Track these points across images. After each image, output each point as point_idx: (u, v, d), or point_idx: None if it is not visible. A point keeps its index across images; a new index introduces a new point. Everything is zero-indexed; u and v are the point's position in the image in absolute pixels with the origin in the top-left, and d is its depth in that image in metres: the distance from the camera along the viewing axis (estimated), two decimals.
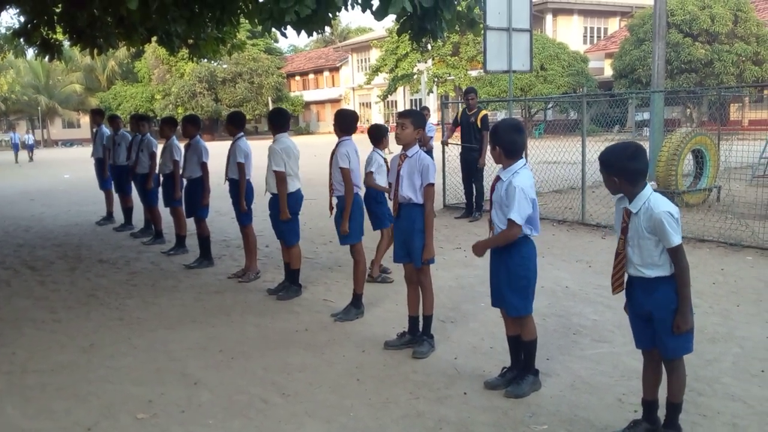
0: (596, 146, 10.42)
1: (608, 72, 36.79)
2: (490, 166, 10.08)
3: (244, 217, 6.96)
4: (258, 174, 6.78)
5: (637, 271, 3.25)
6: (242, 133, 6.99)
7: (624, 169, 3.19)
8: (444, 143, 10.97)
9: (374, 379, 4.32)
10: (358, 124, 6.00)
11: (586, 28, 45.31)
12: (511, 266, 3.89)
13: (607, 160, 3.25)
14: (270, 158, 6.10)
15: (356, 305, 5.64)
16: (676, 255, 3.13)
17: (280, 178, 6.07)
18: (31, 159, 34.08)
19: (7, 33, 10.14)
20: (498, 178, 3.92)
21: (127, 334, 5.40)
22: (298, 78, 64.39)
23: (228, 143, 7.15)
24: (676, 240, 3.10)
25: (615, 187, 3.25)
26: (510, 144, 3.83)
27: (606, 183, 3.29)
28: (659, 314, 3.22)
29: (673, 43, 28.51)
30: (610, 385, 4.09)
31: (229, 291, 6.65)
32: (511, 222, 3.76)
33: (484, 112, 10.18)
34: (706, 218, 8.63)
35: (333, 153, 5.53)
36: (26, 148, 35.23)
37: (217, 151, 7.49)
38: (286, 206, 6.10)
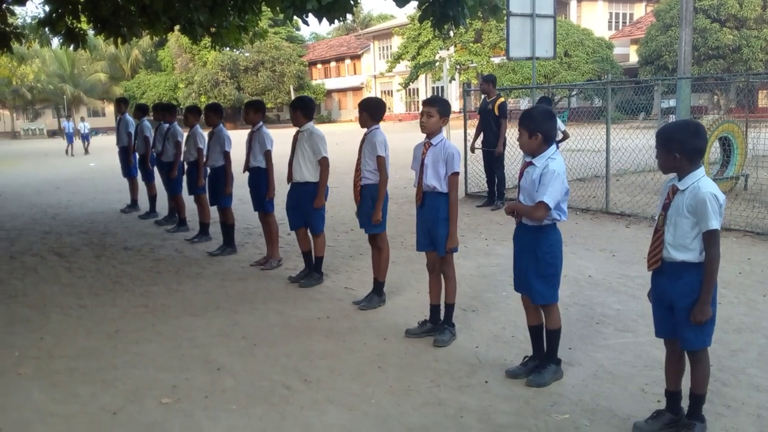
0: (621, 134, 10.38)
1: (634, 58, 36.34)
2: (513, 154, 10.03)
3: (266, 204, 6.99)
4: (279, 162, 6.80)
5: (667, 252, 3.20)
6: (261, 122, 7.01)
7: (686, 146, 3.13)
8: (471, 149, 10.83)
9: (395, 367, 4.33)
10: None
11: (611, 13, 44.73)
12: (539, 254, 3.85)
13: (669, 136, 3.20)
14: (313, 145, 6.05)
15: (378, 293, 5.65)
16: (710, 240, 3.08)
17: (326, 164, 6.08)
18: (86, 151, 30.48)
19: (33, 22, 10.24)
20: (529, 164, 3.85)
21: (151, 321, 5.47)
22: (319, 66, 64.33)
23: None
24: (714, 224, 3.05)
25: (674, 164, 3.18)
26: (552, 131, 3.82)
27: (663, 160, 3.22)
28: (681, 303, 3.18)
29: (700, 29, 28.06)
30: (633, 375, 4.06)
31: (252, 278, 6.70)
32: (542, 204, 3.69)
33: (501, 99, 10.10)
34: (733, 207, 8.50)
35: (363, 141, 5.46)
36: (81, 137, 31.26)
37: (240, 140, 7.54)
38: (323, 193, 6.13)
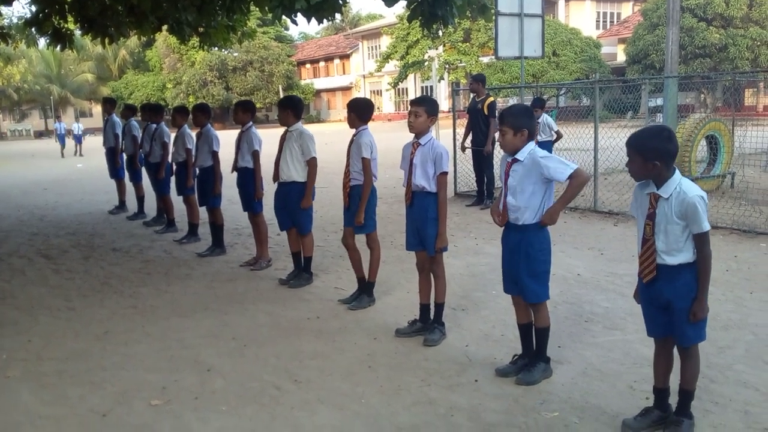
0: (609, 133, 10.41)
1: (621, 57, 36.56)
2: (502, 153, 10.05)
3: (255, 205, 6.98)
4: (267, 162, 6.78)
5: (660, 259, 3.20)
6: (251, 122, 6.99)
7: (664, 153, 3.12)
8: (462, 149, 10.82)
9: (386, 367, 4.33)
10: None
11: (599, 12, 44.95)
12: (531, 252, 3.87)
13: (646, 145, 3.16)
14: (303, 145, 6.06)
15: (368, 293, 5.65)
16: (702, 241, 3.10)
17: (315, 164, 6.10)
18: (79, 152, 29.41)
19: (19, 23, 10.18)
20: (515, 161, 3.87)
21: (140, 322, 5.44)
22: (308, 66, 64.22)
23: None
24: (706, 225, 3.07)
25: (653, 171, 3.15)
26: (534, 127, 3.90)
27: (640, 169, 3.18)
28: (680, 304, 3.18)
29: (687, 28, 28.25)
30: (621, 373, 4.09)
31: (241, 279, 6.68)
32: (573, 172, 3.70)
33: (491, 98, 10.12)
34: (719, 205, 8.56)
35: (351, 142, 5.47)
36: (74, 139, 30.31)
37: (228, 140, 7.53)
38: (311, 193, 6.13)
